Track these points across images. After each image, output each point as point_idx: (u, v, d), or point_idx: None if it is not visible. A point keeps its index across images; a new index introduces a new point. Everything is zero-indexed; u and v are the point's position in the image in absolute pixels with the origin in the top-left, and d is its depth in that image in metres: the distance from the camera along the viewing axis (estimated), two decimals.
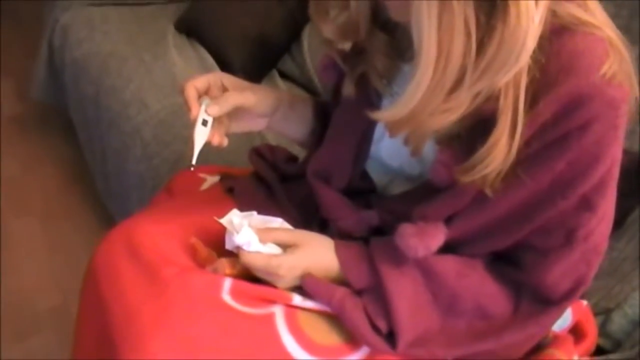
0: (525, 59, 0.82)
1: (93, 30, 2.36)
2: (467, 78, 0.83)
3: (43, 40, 2.50)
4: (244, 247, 1.00)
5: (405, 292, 1.01)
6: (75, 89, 2.33)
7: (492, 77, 0.82)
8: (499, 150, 0.87)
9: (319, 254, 1.05)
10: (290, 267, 1.02)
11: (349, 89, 1.10)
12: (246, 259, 1.00)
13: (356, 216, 1.11)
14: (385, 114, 0.92)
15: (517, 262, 1.03)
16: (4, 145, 2.63)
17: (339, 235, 1.12)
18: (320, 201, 1.17)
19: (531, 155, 0.90)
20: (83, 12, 2.44)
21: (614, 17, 1.51)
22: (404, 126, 0.91)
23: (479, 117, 0.87)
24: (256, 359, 1.00)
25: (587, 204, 0.94)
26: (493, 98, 0.86)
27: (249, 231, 1.00)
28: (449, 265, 1.03)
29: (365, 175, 1.14)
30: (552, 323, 1.09)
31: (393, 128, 0.94)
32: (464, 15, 0.80)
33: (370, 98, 1.07)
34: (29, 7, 3.40)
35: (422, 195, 1.01)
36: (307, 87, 2.18)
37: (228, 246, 1.02)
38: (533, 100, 0.86)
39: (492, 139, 0.86)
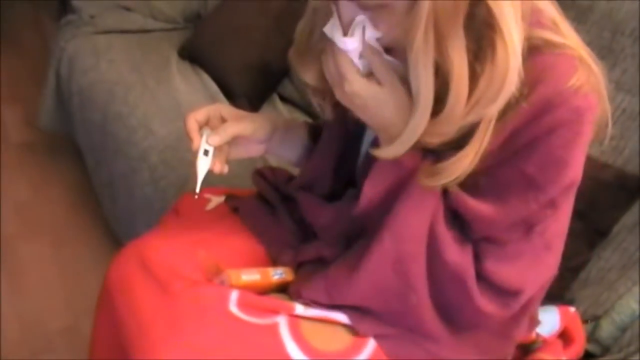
0: (510, 91, 0.88)
1: (99, 58, 2.37)
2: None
3: (50, 69, 2.51)
4: (341, 47, 0.95)
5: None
6: (82, 117, 2.35)
7: (480, 111, 0.89)
8: (464, 163, 0.93)
9: (390, 117, 0.98)
10: (356, 93, 0.96)
11: (328, 114, 1.17)
12: (334, 51, 0.96)
13: (333, 210, 1.16)
14: (385, 153, 0.98)
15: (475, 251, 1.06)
16: (13, 171, 2.65)
17: (323, 237, 1.19)
18: (301, 207, 1.23)
19: (505, 158, 0.95)
20: (89, 40, 2.46)
21: (597, 38, 1.60)
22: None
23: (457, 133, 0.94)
24: None
25: (552, 204, 0.99)
26: None
27: (357, 40, 0.94)
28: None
29: (354, 185, 1.20)
30: (515, 324, 1.13)
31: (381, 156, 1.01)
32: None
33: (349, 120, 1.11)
34: (33, 36, 3.42)
35: None
36: (307, 110, 2.21)
37: (326, 29, 0.97)
38: (504, 111, 0.92)
39: (461, 153, 0.93)
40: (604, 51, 1.59)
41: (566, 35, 0.94)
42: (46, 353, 1.99)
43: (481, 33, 0.87)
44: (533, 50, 0.91)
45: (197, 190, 1.15)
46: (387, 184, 1.04)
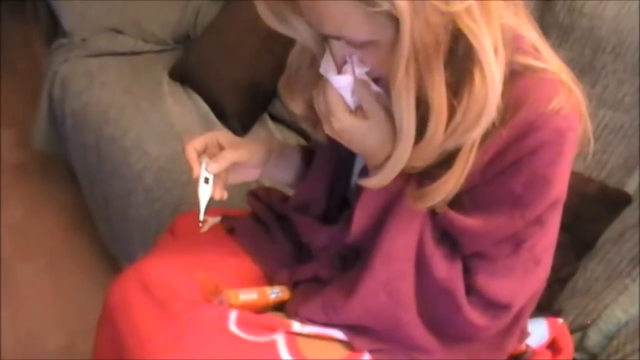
0: (489, 119, 0.92)
1: (91, 81, 2.39)
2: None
3: (43, 92, 2.52)
4: (334, 85, 0.99)
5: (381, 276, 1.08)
6: (76, 139, 2.36)
7: (459, 138, 0.93)
8: (448, 185, 0.97)
9: (375, 146, 1.01)
10: (344, 129, 1.00)
11: (321, 138, 1.21)
12: (326, 88, 1.00)
13: (329, 232, 1.19)
14: (371, 183, 1.02)
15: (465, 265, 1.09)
16: (8, 192, 2.66)
17: (319, 257, 1.22)
18: (297, 230, 1.26)
19: (490, 178, 0.99)
20: (81, 63, 2.48)
21: (578, 55, 1.64)
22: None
23: (439, 157, 0.98)
24: None
25: (539, 220, 1.02)
26: None
27: (349, 77, 0.98)
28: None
29: (347, 205, 1.23)
30: (507, 335, 1.16)
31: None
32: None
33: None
34: (26, 57, 3.43)
35: None
36: (298, 129, 2.21)
37: (321, 69, 1.00)
38: (487, 134, 0.95)
39: (445, 176, 0.96)
40: (586, 68, 1.62)
41: (547, 59, 0.98)
42: None
43: (461, 66, 0.91)
44: (515, 74, 0.95)
45: (201, 218, 1.18)
46: (377, 207, 1.08)
